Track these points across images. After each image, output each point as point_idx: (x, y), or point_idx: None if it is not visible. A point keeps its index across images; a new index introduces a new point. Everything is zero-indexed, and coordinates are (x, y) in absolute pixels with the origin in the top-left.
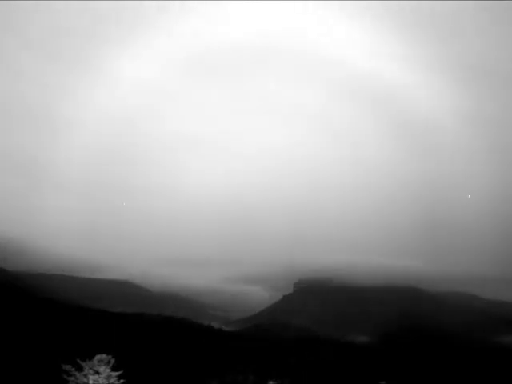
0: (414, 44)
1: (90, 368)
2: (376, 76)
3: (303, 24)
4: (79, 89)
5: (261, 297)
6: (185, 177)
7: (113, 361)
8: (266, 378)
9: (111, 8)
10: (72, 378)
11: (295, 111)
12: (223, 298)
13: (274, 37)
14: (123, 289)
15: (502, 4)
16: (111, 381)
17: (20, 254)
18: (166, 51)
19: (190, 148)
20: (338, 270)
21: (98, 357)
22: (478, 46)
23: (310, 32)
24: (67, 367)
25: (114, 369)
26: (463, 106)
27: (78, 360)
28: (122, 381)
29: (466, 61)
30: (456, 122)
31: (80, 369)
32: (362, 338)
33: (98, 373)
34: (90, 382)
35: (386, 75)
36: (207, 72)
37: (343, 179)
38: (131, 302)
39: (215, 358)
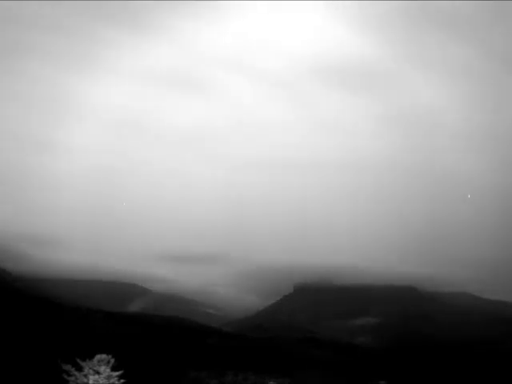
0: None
1: (90, 368)
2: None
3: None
4: (77, 91)
5: (261, 297)
6: (185, 176)
7: (113, 361)
8: (266, 377)
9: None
10: (72, 378)
11: (294, 110)
12: (223, 298)
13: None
14: (123, 289)
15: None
16: (111, 381)
17: (20, 255)
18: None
19: (190, 147)
20: (338, 270)
21: (98, 357)
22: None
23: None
24: (67, 367)
25: (114, 369)
26: (462, 103)
27: (78, 360)
28: (122, 381)
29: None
30: (455, 117)
31: (80, 369)
32: (362, 338)
33: (98, 373)
34: (90, 382)
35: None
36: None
37: (343, 179)
38: (131, 302)
39: (215, 358)
